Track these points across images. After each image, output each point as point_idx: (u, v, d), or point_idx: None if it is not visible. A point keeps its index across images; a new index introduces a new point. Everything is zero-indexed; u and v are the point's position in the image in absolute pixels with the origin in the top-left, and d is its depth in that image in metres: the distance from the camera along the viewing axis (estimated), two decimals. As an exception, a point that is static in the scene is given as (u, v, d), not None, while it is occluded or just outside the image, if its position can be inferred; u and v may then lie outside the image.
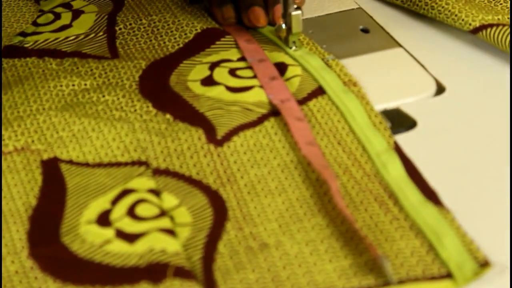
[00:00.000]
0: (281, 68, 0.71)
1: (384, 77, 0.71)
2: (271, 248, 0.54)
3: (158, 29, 0.76)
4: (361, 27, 0.78)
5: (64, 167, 0.61)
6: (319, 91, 0.67)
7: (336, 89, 0.67)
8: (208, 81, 0.69)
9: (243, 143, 0.63)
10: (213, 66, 0.71)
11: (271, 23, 0.75)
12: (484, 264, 0.51)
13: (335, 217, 0.55)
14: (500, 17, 0.74)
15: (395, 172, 0.59)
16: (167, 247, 0.54)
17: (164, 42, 0.74)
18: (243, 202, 0.58)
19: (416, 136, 0.64)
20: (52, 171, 0.61)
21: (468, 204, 0.58)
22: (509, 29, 0.72)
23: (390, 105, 0.67)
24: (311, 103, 0.66)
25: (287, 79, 0.69)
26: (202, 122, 0.65)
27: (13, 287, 0.53)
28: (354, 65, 0.71)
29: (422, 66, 0.72)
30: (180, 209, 0.58)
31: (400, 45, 0.75)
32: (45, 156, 0.62)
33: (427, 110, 0.67)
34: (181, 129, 0.64)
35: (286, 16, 0.71)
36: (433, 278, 0.51)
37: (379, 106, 0.66)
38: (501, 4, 0.77)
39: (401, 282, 0.51)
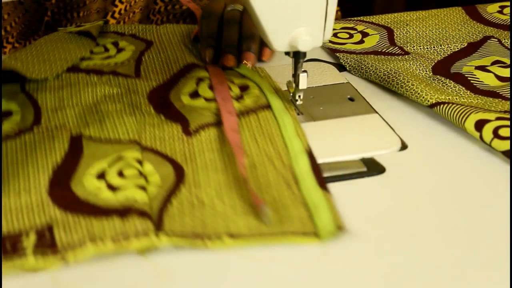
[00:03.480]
0: (245, 87, 0.80)
1: (363, 134, 0.74)
2: (206, 205, 0.64)
3: (169, 61, 0.87)
4: (348, 96, 0.81)
5: (85, 141, 0.72)
6: (268, 107, 0.76)
7: (280, 108, 0.76)
8: (194, 95, 0.79)
9: (206, 136, 0.72)
10: (199, 80, 0.81)
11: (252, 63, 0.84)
12: (340, 228, 0.61)
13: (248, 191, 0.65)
14: (450, 97, 0.77)
15: (303, 166, 0.68)
16: (138, 197, 0.64)
17: (172, 68, 0.85)
18: (196, 174, 0.67)
19: (385, 179, 0.68)
20: (77, 142, 0.72)
21: (417, 225, 0.62)
22: (455, 106, 0.74)
23: (366, 155, 0.71)
24: (260, 113, 0.76)
25: (248, 94, 0.79)
26: (182, 120, 0.75)
27: (33, 209, 0.62)
28: (342, 124, 0.75)
29: (392, 128, 0.75)
30: (154, 174, 0.67)
31: (376, 112, 0.78)
32: (74, 133, 0.73)
33: (393, 161, 0.70)
34: (167, 124, 0.74)
35: (296, 75, 0.75)
36: (305, 233, 0.61)
37: (358, 156, 0.70)
38: (451, 88, 0.80)
39: (285, 233, 0.60)
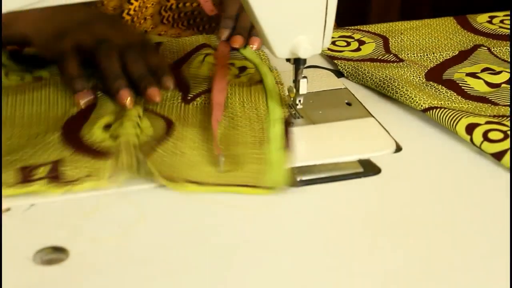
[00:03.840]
0: (243, 68, 0.87)
1: (360, 137, 0.75)
2: (185, 155, 0.70)
3: (186, 44, 0.93)
4: (346, 101, 0.82)
5: (99, 97, 0.80)
6: (260, 83, 0.82)
7: (270, 84, 0.81)
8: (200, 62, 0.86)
9: (201, 102, 0.79)
10: (206, 54, 0.87)
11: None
12: (291, 185, 0.66)
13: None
14: (442, 102, 0.78)
15: (277, 130, 0.73)
16: (131, 141, 0.70)
17: (186, 49, 0.91)
18: (185, 130, 0.73)
19: (380, 179, 0.69)
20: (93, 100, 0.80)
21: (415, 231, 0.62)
22: (447, 111, 0.75)
23: (363, 156, 0.71)
24: (253, 86, 0.80)
25: (245, 74, 0.86)
26: (184, 88, 0.81)
27: (48, 148, 0.71)
28: (340, 127, 0.76)
29: (387, 131, 0.76)
30: (149, 128, 0.75)
31: (372, 116, 0.79)
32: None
33: (389, 162, 0.71)
34: (172, 91, 0.81)
35: (296, 81, 0.76)
36: (260, 186, 0.66)
37: (355, 157, 0.71)
38: (443, 93, 0.81)
39: (241, 185, 0.66)
